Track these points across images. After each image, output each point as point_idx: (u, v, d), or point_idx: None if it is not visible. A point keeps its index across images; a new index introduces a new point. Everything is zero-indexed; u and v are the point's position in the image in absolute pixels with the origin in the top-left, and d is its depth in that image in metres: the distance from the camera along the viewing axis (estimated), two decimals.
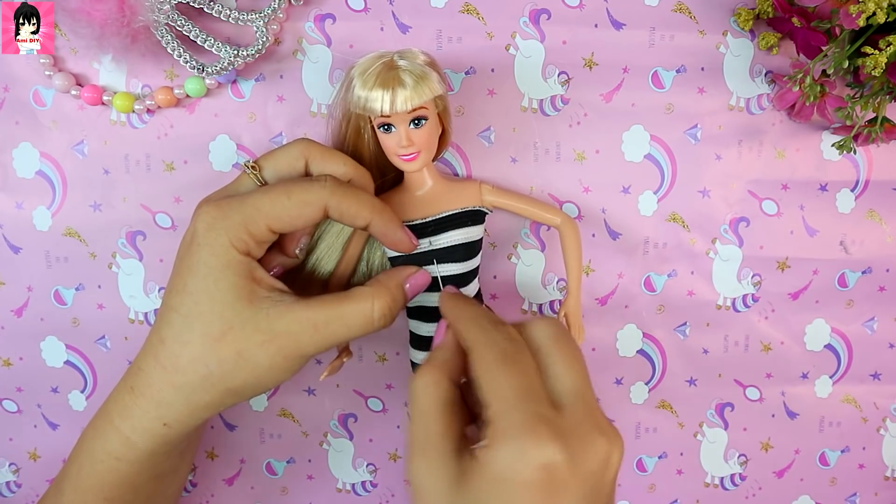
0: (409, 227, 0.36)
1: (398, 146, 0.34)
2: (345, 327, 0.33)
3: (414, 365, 0.39)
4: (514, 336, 0.31)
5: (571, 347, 0.31)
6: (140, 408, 0.33)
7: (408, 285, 0.35)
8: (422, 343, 0.38)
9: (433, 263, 0.36)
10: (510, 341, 0.30)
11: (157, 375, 0.32)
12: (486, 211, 0.38)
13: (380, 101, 0.32)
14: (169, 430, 0.33)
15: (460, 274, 0.37)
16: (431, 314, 0.37)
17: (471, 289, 0.38)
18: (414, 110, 0.33)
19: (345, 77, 0.34)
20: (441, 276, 0.37)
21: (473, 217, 0.37)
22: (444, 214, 0.36)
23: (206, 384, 0.32)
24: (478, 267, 0.38)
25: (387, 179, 0.38)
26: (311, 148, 0.34)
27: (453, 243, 0.36)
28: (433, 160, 0.37)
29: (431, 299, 0.37)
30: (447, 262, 0.36)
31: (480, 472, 0.27)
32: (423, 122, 0.34)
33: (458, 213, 0.36)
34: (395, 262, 0.37)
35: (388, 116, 0.33)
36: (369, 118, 0.34)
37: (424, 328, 0.38)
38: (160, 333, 0.33)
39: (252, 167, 0.34)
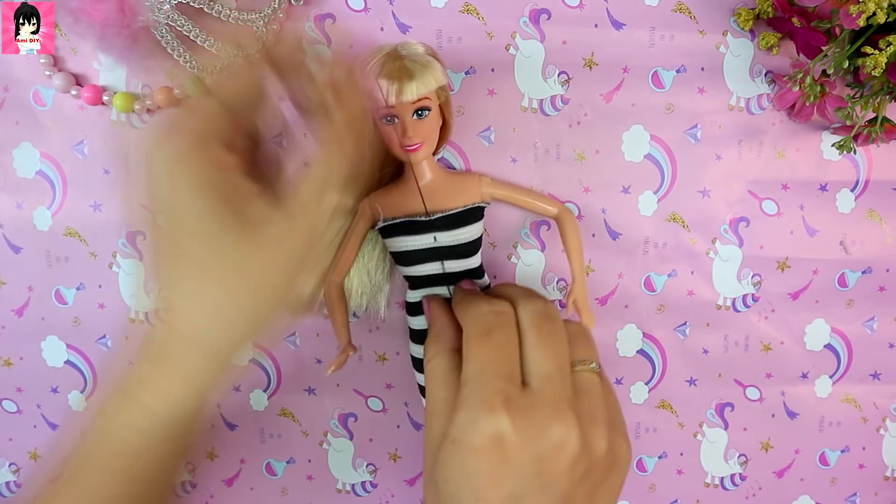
0: (413, 222, 0.36)
1: (402, 136, 0.34)
2: (324, 185, 0.30)
3: (414, 360, 0.39)
4: (501, 312, 0.31)
5: (548, 331, 0.31)
6: (160, 372, 0.30)
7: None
8: (422, 338, 0.38)
9: (439, 261, 0.37)
10: (496, 316, 0.31)
11: (169, 335, 0.30)
12: (486, 205, 0.38)
13: (385, 91, 0.32)
14: (194, 398, 0.30)
15: (469, 270, 0.37)
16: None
17: (483, 281, 0.38)
18: (418, 100, 0.33)
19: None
20: (450, 272, 0.37)
21: (475, 214, 0.37)
22: (450, 213, 0.36)
23: (220, 324, 0.29)
24: (481, 264, 0.38)
25: (385, 173, 0.38)
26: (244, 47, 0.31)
27: (458, 242, 0.36)
28: (434, 154, 0.37)
29: (435, 294, 0.37)
30: (453, 258, 0.37)
31: (445, 435, 0.29)
32: (427, 112, 0.34)
33: (462, 211, 0.37)
34: (398, 258, 0.37)
35: (393, 107, 0.33)
36: (371, 110, 0.34)
37: (425, 322, 0.38)
38: (161, 290, 0.30)
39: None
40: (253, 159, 0.31)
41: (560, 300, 0.43)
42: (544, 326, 0.31)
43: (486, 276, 0.39)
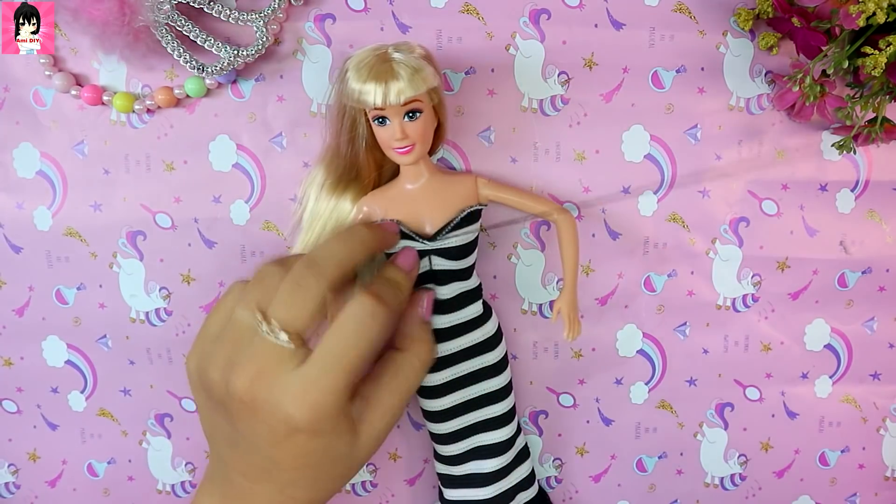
0: (409, 237, 0.36)
1: (392, 139, 0.34)
2: (406, 395, 0.34)
3: None
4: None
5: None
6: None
7: (423, 311, 0.36)
8: None
9: (426, 257, 0.37)
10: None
11: None
12: (483, 207, 0.38)
13: (373, 93, 0.32)
14: None
15: (455, 270, 0.37)
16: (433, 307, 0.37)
17: (471, 283, 0.38)
18: (408, 103, 0.33)
19: (340, 69, 0.34)
20: (436, 270, 0.37)
21: (471, 219, 0.37)
22: (447, 223, 0.36)
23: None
24: (474, 264, 0.38)
25: (383, 172, 0.38)
26: (327, 283, 0.32)
27: (451, 245, 0.36)
28: (430, 154, 0.37)
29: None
30: (444, 258, 0.37)
31: None
32: (418, 114, 0.34)
33: (458, 220, 0.37)
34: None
35: (382, 109, 0.33)
36: (364, 111, 0.34)
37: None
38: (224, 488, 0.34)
39: (287, 334, 0.31)
40: None
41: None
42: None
43: (475, 276, 0.39)
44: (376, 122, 0.34)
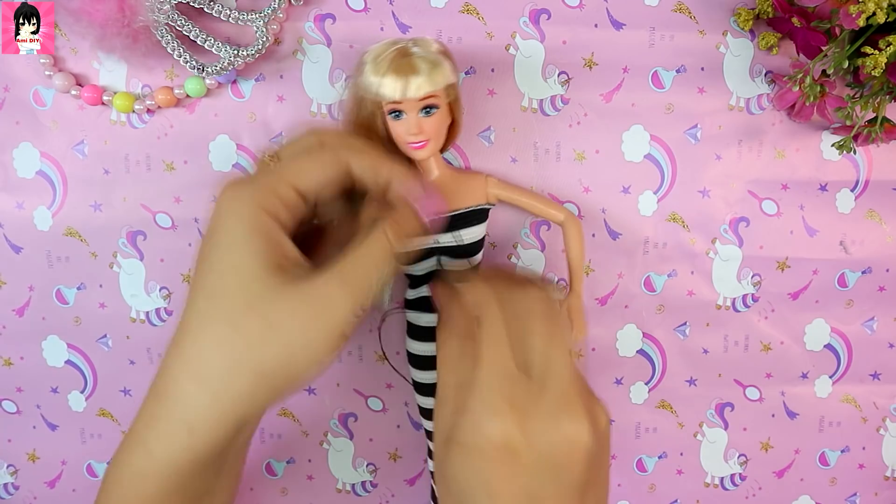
0: None
1: (407, 133, 0.34)
2: (369, 267, 0.30)
3: (411, 356, 0.39)
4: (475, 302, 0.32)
5: (553, 321, 0.31)
6: (162, 411, 0.29)
7: (416, 203, 0.33)
8: (420, 334, 0.38)
9: (436, 257, 0.37)
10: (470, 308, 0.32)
11: (179, 369, 0.29)
12: (491, 206, 0.38)
13: (391, 86, 0.32)
14: (193, 439, 0.29)
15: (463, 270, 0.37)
16: (431, 305, 0.37)
17: None
18: (425, 98, 0.33)
19: (358, 62, 0.34)
20: (441, 270, 0.37)
21: (480, 216, 0.37)
22: (455, 213, 0.36)
23: (232, 369, 0.28)
24: (479, 264, 0.38)
25: None
26: (324, 136, 0.33)
27: (458, 243, 0.37)
28: (441, 151, 0.37)
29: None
30: (451, 256, 0.37)
31: (451, 436, 0.30)
32: (434, 110, 0.34)
33: (467, 212, 0.37)
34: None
35: (400, 103, 0.33)
36: (380, 104, 0.34)
37: (424, 319, 0.38)
38: (184, 323, 0.29)
39: (271, 157, 0.32)
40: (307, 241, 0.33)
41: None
42: (550, 316, 0.31)
43: None
44: (392, 115, 0.34)
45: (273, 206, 0.29)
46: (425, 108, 0.34)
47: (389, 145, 0.36)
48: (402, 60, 0.32)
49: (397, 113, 0.34)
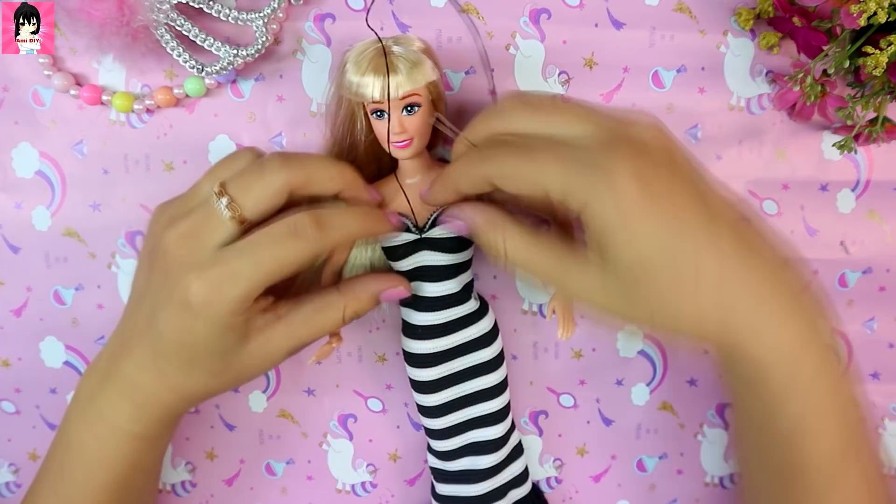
0: (410, 229, 0.36)
1: (390, 133, 0.34)
2: (316, 332, 0.34)
3: (407, 354, 0.39)
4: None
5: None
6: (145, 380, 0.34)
7: (382, 296, 0.36)
8: (414, 332, 0.38)
9: (423, 254, 0.36)
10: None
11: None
12: None
13: (371, 86, 0.32)
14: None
15: (449, 265, 0.37)
16: (424, 303, 0.37)
17: (464, 278, 0.38)
18: (406, 97, 0.33)
19: (340, 62, 0.34)
20: (426, 266, 0.37)
21: None
22: (442, 208, 0.36)
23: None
24: (470, 259, 0.38)
25: (382, 166, 0.38)
26: (291, 177, 0.32)
27: (445, 235, 0.36)
28: (429, 149, 0.37)
29: (424, 289, 0.37)
30: (437, 251, 0.36)
31: None
32: (416, 108, 0.34)
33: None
34: (386, 252, 0.37)
35: (380, 102, 0.33)
36: (363, 104, 0.34)
37: (417, 317, 0.38)
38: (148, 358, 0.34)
39: (230, 206, 0.31)
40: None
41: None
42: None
43: (469, 273, 0.38)
44: (375, 115, 0.34)
45: (246, 311, 0.32)
46: (407, 106, 0.34)
47: (374, 145, 0.36)
48: (381, 59, 0.32)
49: (380, 112, 0.34)
